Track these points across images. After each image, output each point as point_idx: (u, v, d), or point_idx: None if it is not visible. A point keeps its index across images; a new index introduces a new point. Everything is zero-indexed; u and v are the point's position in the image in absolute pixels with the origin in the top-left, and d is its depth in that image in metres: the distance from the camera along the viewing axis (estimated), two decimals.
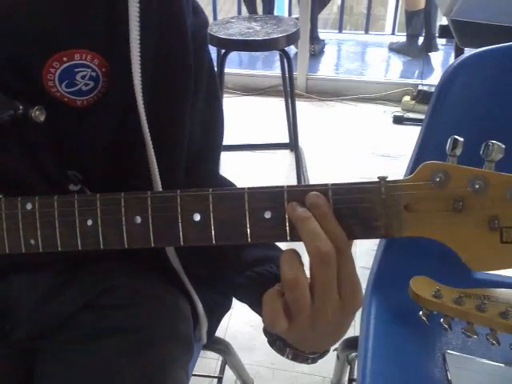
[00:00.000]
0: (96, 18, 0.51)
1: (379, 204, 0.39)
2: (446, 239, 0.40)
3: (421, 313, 0.57)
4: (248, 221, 0.41)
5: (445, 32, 1.62)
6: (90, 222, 0.43)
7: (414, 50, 3.20)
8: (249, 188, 0.41)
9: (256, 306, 0.57)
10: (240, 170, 2.15)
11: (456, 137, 0.40)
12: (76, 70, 0.51)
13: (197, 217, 0.41)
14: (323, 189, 0.40)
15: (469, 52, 0.79)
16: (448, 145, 0.40)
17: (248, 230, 0.41)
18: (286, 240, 0.41)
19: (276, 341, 0.51)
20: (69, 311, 0.61)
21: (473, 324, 0.54)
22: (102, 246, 0.43)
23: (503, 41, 0.78)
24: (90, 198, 0.43)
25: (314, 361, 0.51)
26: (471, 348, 0.80)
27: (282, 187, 0.40)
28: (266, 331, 0.53)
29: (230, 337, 0.94)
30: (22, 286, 0.63)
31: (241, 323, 1.45)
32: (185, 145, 0.58)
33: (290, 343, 0.49)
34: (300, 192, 0.40)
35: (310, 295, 0.40)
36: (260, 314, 0.56)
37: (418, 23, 3.12)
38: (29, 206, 0.44)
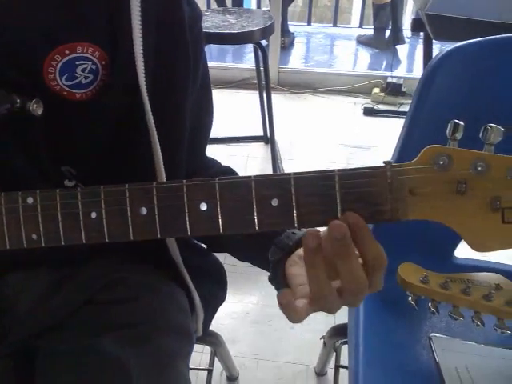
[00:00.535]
0: (97, 10, 0.50)
1: (385, 188, 0.40)
2: (449, 221, 0.40)
3: (410, 298, 0.59)
4: (255, 209, 0.40)
5: (417, 25, 1.66)
6: (94, 215, 0.42)
7: (382, 43, 3.25)
8: (255, 176, 0.41)
9: (257, 262, 0.58)
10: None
11: (456, 121, 0.41)
12: (77, 62, 0.50)
13: (203, 206, 0.41)
14: (330, 174, 0.40)
15: (449, 45, 0.81)
16: (448, 129, 0.41)
17: (255, 218, 0.41)
18: (293, 227, 0.41)
19: (281, 286, 0.51)
20: (68, 309, 0.60)
21: (458, 307, 0.55)
22: (106, 239, 0.42)
23: (477, 34, 0.80)
24: (94, 189, 0.42)
25: None
26: (455, 330, 0.82)
27: (289, 174, 0.40)
28: (270, 279, 0.54)
29: (213, 329, 0.94)
30: (18, 284, 0.61)
31: (222, 315, 1.45)
32: (186, 135, 0.57)
33: None
34: (307, 179, 0.40)
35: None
36: (263, 268, 0.56)
37: (384, 16, 3.17)
38: (30, 200, 0.43)
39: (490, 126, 0.40)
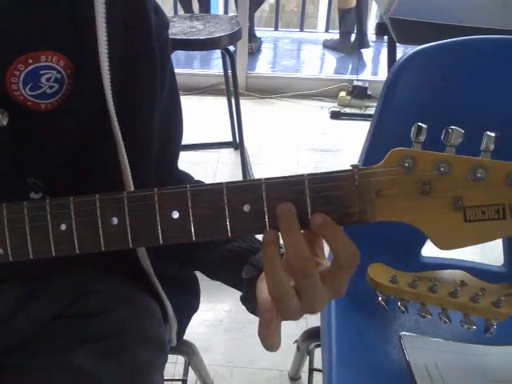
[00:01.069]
0: (61, 18, 0.49)
1: (353, 191, 0.41)
2: (415, 221, 0.41)
3: (380, 298, 0.60)
4: (227, 215, 0.41)
5: (381, 29, 1.69)
6: (63, 227, 0.41)
7: (347, 47, 3.31)
8: (226, 182, 0.41)
9: (230, 282, 0.58)
10: (185, 170, 2.12)
11: (420, 124, 0.42)
12: (41, 72, 0.49)
13: (175, 214, 0.41)
14: (299, 179, 0.41)
15: (412, 48, 0.83)
16: (412, 132, 0.42)
17: (228, 224, 0.41)
18: None
19: (254, 307, 0.51)
20: (37, 325, 0.59)
21: (426, 305, 0.57)
22: (77, 251, 0.41)
23: (440, 37, 0.82)
24: (63, 201, 0.41)
25: None
26: (424, 328, 0.84)
27: (260, 180, 0.41)
28: (243, 299, 0.53)
29: (186, 338, 0.93)
30: None
31: (195, 324, 1.44)
32: (154, 144, 0.57)
33: None
34: (278, 184, 0.41)
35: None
36: (233, 285, 0.56)
37: (349, 21, 3.22)
38: None
39: (452, 129, 0.41)
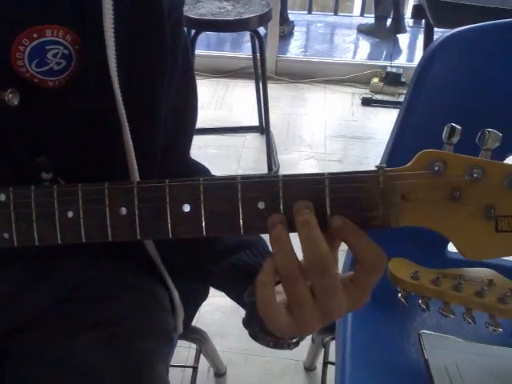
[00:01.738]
0: None
1: (377, 194, 0.38)
2: (442, 229, 0.39)
3: (399, 295, 0.57)
4: (241, 212, 0.39)
5: (418, 12, 1.63)
6: (70, 214, 0.40)
7: (383, 32, 3.22)
8: (242, 177, 0.39)
9: (233, 295, 0.56)
10: (209, 154, 2.13)
11: (453, 124, 0.39)
12: (47, 47, 0.47)
13: (186, 208, 0.39)
14: (320, 178, 0.38)
15: (448, 32, 0.77)
16: (445, 133, 0.39)
17: (241, 221, 0.39)
18: None
19: (257, 332, 0.49)
20: (41, 308, 0.58)
21: (449, 304, 0.54)
22: (83, 240, 0.40)
23: (478, 20, 0.76)
24: (71, 188, 0.40)
25: (296, 345, 0.50)
26: (445, 327, 0.81)
27: (277, 176, 0.39)
28: (245, 323, 0.51)
29: (201, 324, 0.93)
30: None
31: (211, 310, 1.44)
32: (161, 128, 0.55)
33: (269, 331, 0.48)
34: (296, 182, 0.39)
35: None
36: (238, 303, 0.55)
37: (386, 4, 3.13)
38: (2, 197, 0.41)
39: (488, 131, 0.39)
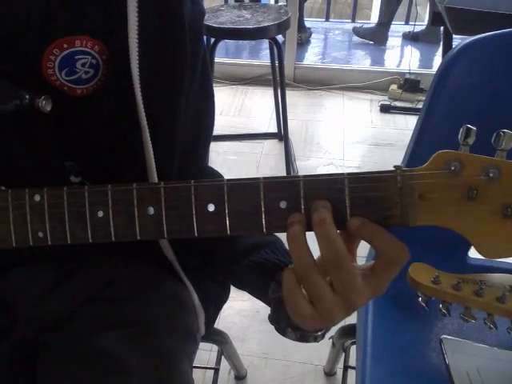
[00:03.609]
0: (95, 3, 0.49)
1: (395, 193, 0.39)
2: (459, 228, 0.40)
3: (420, 299, 0.58)
4: (263, 211, 0.40)
5: (436, 19, 1.62)
6: (100, 214, 0.42)
7: (380, 38, 3.21)
8: (264, 178, 0.41)
9: (256, 293, 0.57)
10: (228, 160, 2.15)
11: (469, 126, 0.40)
12: (76, 57, 0.50)
13: (211, 207, 0.41)
14: (339, 178, 0.40)
15: (467, 38, 0.78)
16: (460, 134, 0.40)
17: (263, 220, 0.40)
18: None
19: (284, 327, 0.51)
20: (70, 306, 0.60)
21: (470, 309, 0.55)
22: (113, 239, 0.42)
23: (497, 27, 0.77)
24: (101, 188, 0.42)
25: (321, 337, 0.51)
26: (467, 332, 0.81)
27: (298, 177, 0.40)
28: (271, 319, 0.53)
29: (222, 327, 0.94)
30: (21, 281, 0.61)
31: (232, 313, 1.45)
32: (180, 135, 0.57)
33: (295, 325, 0.49)
34: (316, 182, 0.40)
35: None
36: (262, 300, 0.56)
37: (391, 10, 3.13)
38: (37, 198, 0.43)
39: (503, 132, 0.39)
